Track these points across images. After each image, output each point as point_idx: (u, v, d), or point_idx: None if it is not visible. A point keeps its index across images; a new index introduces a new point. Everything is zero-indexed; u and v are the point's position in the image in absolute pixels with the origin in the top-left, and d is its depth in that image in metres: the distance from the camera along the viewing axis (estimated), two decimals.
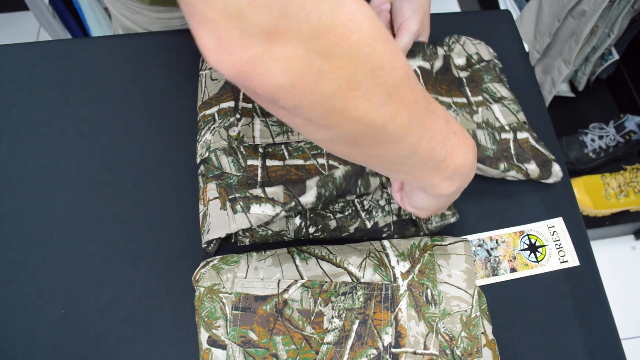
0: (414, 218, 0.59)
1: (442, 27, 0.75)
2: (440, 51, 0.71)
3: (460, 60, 0.71)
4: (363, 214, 0.58)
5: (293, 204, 0.54)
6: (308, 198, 0.55)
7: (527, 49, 1.39)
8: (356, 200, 0.59)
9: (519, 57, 0.75)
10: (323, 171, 0.58)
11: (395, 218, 0.59)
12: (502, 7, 1.57)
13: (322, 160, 0.59)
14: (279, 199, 0.55)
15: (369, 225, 0.59)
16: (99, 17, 1.51)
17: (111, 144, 0.66)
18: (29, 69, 0.71)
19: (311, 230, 0.58)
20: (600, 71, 1.44)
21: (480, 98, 0.67)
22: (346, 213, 0.58)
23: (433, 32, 0.75)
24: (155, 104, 0.68)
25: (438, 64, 0.69)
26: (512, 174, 0.62)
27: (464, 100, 0.67)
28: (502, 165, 0.61)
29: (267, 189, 0.56)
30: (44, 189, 0.63)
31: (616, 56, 1.41)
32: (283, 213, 0.55)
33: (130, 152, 0.65)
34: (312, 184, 0.55)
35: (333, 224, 0.58)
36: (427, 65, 0.67)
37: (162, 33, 0.77)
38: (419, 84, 0.39)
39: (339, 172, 0.56)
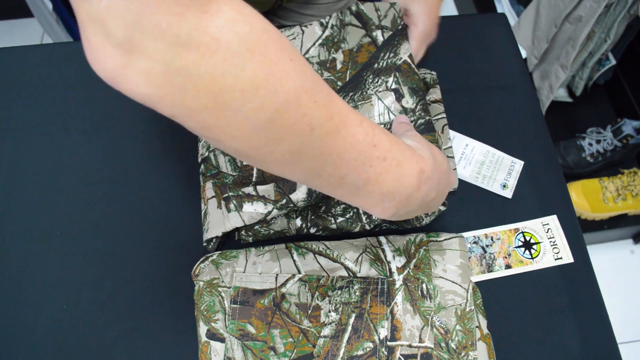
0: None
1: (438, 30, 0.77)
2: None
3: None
4: (364, 218, 0.59)
5: (284, 201, 0.55)
6: (299, 195, 0.55)
7: (525, 55, 1.41)
8: None
9: (514, 60, 0.76)
10: None
11: None
12: (499, 11, 1.58)
13: None
14: (270, 196, 0.55)
15: (368, 229, 0.59)
16: None
17: (113, 142, 0.67)
18: (33, 70, 0.72)
19: (312, 230, 0.59)
20: (598, 76, 1.45)
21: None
22: (347, 216, 0.58)
23: None
24: None
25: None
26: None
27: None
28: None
29: (259, 187, 0.56)
30: (47, 185, 0.64)
31: (613, 61, 1.42)
32: (275, 211, 0.55)
33: (132, 149, 0.66)
34: None
35: (334, 227, 0.59)
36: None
37: None
38: (326, 107, 0.36)
39: None
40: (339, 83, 0.64)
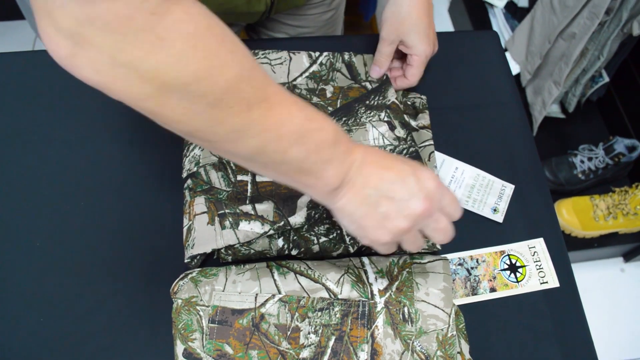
0: None
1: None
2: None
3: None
4: (347, 239, 0.58)
5: (282, 223, 0.55)
6: (297, 219, 0.55)
7: (518, 70, 1.40)
8: None
9: (505, 78, 0.75)
10: None
11: None
12: (494, 27, 1.58)
13: None
14: (269, 217, 0.55)
15: (352, 251, 0.59)
16: None
17: (96, 154, 0.66)
18: (20, 78, 0.71)
19: (294, 252, 0.58)
20: (591, 93, 1.45)
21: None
22: (330, 237, 0.58)
23: None
24: (142, 115, 0.69)
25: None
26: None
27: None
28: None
29: (257, 206, 0.56)
30: (27, 196, 0.63)
31: (606, 79, 1.42)
32: (271, 232, 0.55)
33: (115, 162, 0.65)
34: (302, 205, 0.55)
35: (316, 248, 0.58)
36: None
37: None
38: (262, 90, 0.40)
39: None
40: (330, 108, 0.65)
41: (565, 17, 1.20)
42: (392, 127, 0.63)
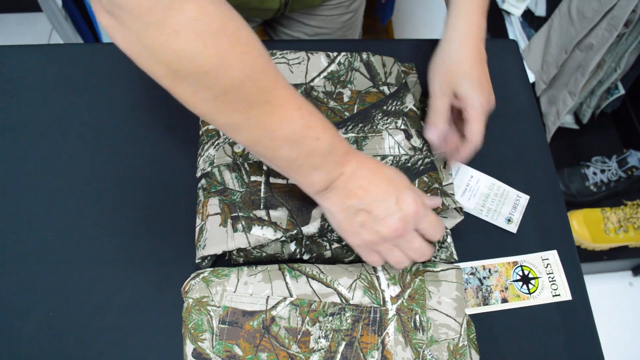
0: None
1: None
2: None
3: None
4: None
5: (295, 231, 0.55)
6: (310, 229, 0.55)
7: (533, 79, 1.40)
8: None
9: (523, 88, 0.75)
10: None
11: None
12: (510, 36, 1.58)
13: None
14: (282, 224, 0.55)
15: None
16: None
17: (111, 150, 0.66)
18: (37, 71, 0.72)
19: (305, 257, 0.58)
20: (606, 105, 1.44)
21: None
22: (343, 243, 0.58)
23: None
24: (158, 113, 0.69)
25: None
26: None
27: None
28: None
29: (272, 213, 0.56)
30: (42, 189, 0.63)
31: (622, 91, 1.41)
32: (283, 238, 0.55)
33: (129, 159, 0.65)
34: (317, 216, 0.55)
35: (328, 254, 0.58)
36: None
37: None
38: (266, 93, 0.43)
39: None
40: (346, 113, 0.64)
41: (584, 27, 1.19)
42: (408, 136, 0.62)
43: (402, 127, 0.63)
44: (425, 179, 0.59)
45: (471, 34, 0.60)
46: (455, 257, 0.59)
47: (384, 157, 0.60)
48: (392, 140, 0.62)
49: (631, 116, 1.49)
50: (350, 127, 0.63)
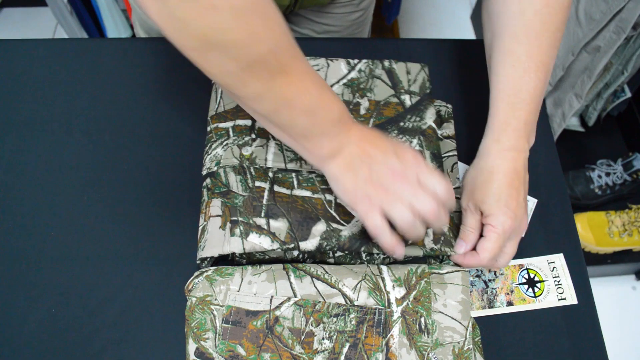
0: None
1: (453, 53, 0.75)
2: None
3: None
4: (363, 255, 0.58)
5: (292, 245, 0.54)
6: (308, 245, 0.54)
7: None
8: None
9: None
10: (329, 208, 0.57)
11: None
12: None
13: (329, 197, 0.58)
14: (280, 236, 0.54)
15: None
16: (116, 18, 1.53)
17: (115, 146, 0.66)
18: (42, 65, 0.71)
19: (309, 262, 0.58)
20: (612, 108, 1.43)
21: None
22: (346, 252, 0.57)
23: (443, 57, 0.75)
24: (163, 109, 0.68)
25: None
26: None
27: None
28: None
29: (272, 222, 0.55)
30: (45, 184, 0.63)
31: (628, 94, 1.40)
32: (279, 250, 0.55)
33: (134, 155, 0.65)
34: (316, 233, 0.55)
35: (331, 261, 0.58)
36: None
37: None
38: (288, 66, 0.46)
39: (346, 232, 0.55)
40: None
41: (591, 30, 1.18)
42: None
43: (417, 147, 0.61)
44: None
45: (511, 150, 0.57)
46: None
47: None
48: None
49: (637, 119, 1.48)
50: None
